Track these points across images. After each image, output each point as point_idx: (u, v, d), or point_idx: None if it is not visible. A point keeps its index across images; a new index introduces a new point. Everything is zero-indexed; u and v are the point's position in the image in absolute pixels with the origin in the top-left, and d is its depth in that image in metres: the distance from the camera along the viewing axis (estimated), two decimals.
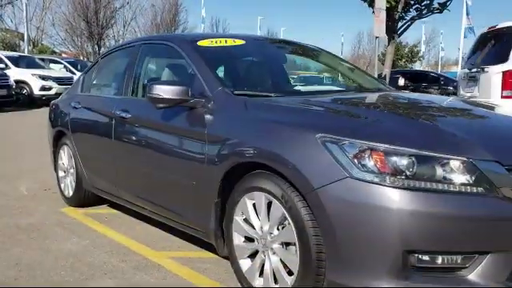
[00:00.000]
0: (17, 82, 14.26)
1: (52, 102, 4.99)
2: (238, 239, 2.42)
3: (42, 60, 17.56)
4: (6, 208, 4.33)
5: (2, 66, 14.70)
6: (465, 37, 35.28)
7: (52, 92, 15.21)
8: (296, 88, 3.11)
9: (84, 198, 4.25)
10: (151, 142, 3.01)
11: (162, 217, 3.07)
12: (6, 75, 13.48)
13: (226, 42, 3.23)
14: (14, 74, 14.35)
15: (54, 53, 32.19)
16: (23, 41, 36.46)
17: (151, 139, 3.01)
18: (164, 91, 2.65)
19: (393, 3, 9.62)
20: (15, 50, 26.80)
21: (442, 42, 52.46)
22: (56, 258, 3.10)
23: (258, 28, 55.17)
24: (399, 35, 10.87)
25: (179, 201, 2.83)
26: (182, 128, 2.75)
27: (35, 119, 12.25)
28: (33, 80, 14.97)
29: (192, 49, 3.02)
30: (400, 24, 10.57)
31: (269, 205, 2.22)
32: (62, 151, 4.46)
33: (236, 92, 2.69)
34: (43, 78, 15.15)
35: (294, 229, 2.06)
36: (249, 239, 2.37)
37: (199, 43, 3.13)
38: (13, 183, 5.27)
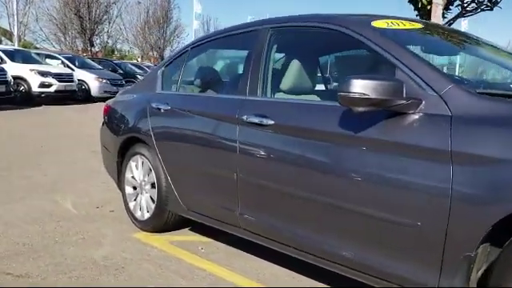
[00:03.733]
0: (13, 77, 13.10)
1: (109, 101, 4.10)
2: None
3: (38, 55, 16.39)
4: (62, 233, 3.44)
5: None
6: None
7: (52, 89, 14.15)
8: None
9: (166, 222, 3.38)
10: (324, 159, 2.16)
11: (328, 263, 2.22)
12: (3, 70, 12.36)
13: (403, 24, 2.42)
14: (11, 69, 13.16)
15: (36, 49, 30.71)
16: (4, 36, 34.85)
17: (324, 156, 2.16)
18: (372, 89, 1.84)
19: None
20: None
21: None
22: None
23: None
24: None
25: (379, 247, 1.99)
26: (389, 141, 1.92)
27: (39, 118, 11.23)
28: (31, 76, 13.83)
29: (379, 33, 2.20)
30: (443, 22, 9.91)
31: None
32: (132, 162, 3.58)
33: (478, 91, 1.88)
34: (42, 73, 14.02)
35: None
36: None
37: (375, 24, 2.30)
38: (52, 197, 4.37)
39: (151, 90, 3.54)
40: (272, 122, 2.39)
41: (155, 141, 3.25)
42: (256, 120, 2.47)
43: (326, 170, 2.14)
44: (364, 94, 1.85)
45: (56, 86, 14.19)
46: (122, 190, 3.77)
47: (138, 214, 3.54)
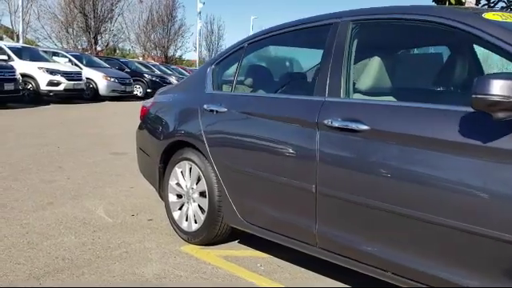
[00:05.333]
0: (21, 75, 12.74)
1: (146, 103, 3.80)
2: None
3: (45, 52, 16.05)
4: (102, 245, 3.14)
5: (4, 57, 13.21)
6: None
7: (60, 88, 13.84)
8: None
9: (217, 234, 3.08)
10: (443, 174, 1.85)
11: None
12: (12, 68, 12.04)
13: None
14: (18, 66, 12.82)
15: (37, 47, 30.14)
16: (5, 34, 34.37)
17: (443, 169, 1.85)
18: None
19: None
20: None
21: None
22: None
23: (251, 28, 54.29)
24: None
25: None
26: None
27: (51, 118, 10.94)
28: (39, 74, 13.52)
29: (498, 26, 1.90)
30: None
31: None
32: (177, 169, 3.28)
33: None
34: (51, 72, 13.71)
35: None
36: None
37: (487, 17, 2.01)
38: (82, 203, 4.08)
39: (199, 90, 3.24)
40: (366, 128, 2.09)
41: (208, 146, 2.95)
42: (344, 125, 2.17)
43: (446, 186, 1.83)
44: (508, 97, 1.55)
45: (65, 84, 13.89)
46: (164, 197, 3.47)
47: (184, 225, 3.24)
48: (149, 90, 19.46)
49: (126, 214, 3.84)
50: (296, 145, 2.42)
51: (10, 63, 12.58)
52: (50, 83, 13.56)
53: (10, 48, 13.91)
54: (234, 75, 3.04)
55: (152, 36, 36.70)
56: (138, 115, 3.93)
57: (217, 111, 2.95)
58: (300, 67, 2.86)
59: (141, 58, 34.57)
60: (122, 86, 16.85)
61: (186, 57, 45.16)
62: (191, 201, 3.19)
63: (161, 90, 3.93)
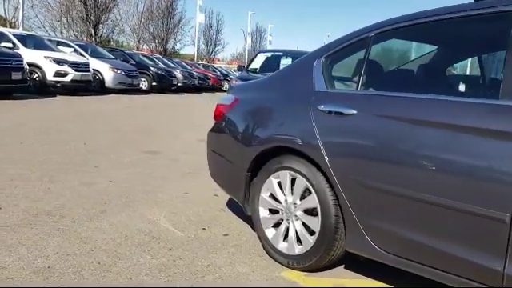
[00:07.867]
0: (27, 64, 12.10)
1: (224, 101, 3.30)
2: None
3: (50, 41, 15.36)
4: (187, 268, 2.67)
5: (9, 45, 12.55)
6: None
7: (67, 79, 13.23)
8: None
9: (329, 260, 2.60)
10: None
11: None
12: (20, 56, 11.41)
13: None
14: (24, 55, 12.15)
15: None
16: None
17: None
18: None
19: None
20: None
21: None
22: None
23: (248, 23, 53.72)
24: None
25: None
26: None
27: (64, 110, 10.39)
28: (46, 64, 12.88)
29: None
30: None
31: None
32: (273, 179, 2.79)
33: None
34: (58, 61, 13.07)
35: None
36: None
37: None
38: (139, 212, 3.62)
39: (304, 87, 2.74)
40: None
41: (327, 155, 2.46)
42: None
43: None
44: None
45: (72, 75, 13.28)
46: (251, 211, 2.99)
47: (282, 247, 2.76)
48: (154, 84, 18.89)
49: (195, 227, 3.35)
50: (475, 161, 1.94)
51: (17, 51, 11.93)
52: (57, 74, 12.93)
53: (14, 35, 13.21)
54: (358, 70, 2.54)
55: (151, 28, 35.92)
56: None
57: (337, 113, 2.46)
58: (452, 62, 2.37)
59: (134, 50, 33.86)
60: (129, 79, 16.26)
61: (183, 51, 44.44)
62: (293, 218, 2.71)
63: (238, 85, 3.44)
